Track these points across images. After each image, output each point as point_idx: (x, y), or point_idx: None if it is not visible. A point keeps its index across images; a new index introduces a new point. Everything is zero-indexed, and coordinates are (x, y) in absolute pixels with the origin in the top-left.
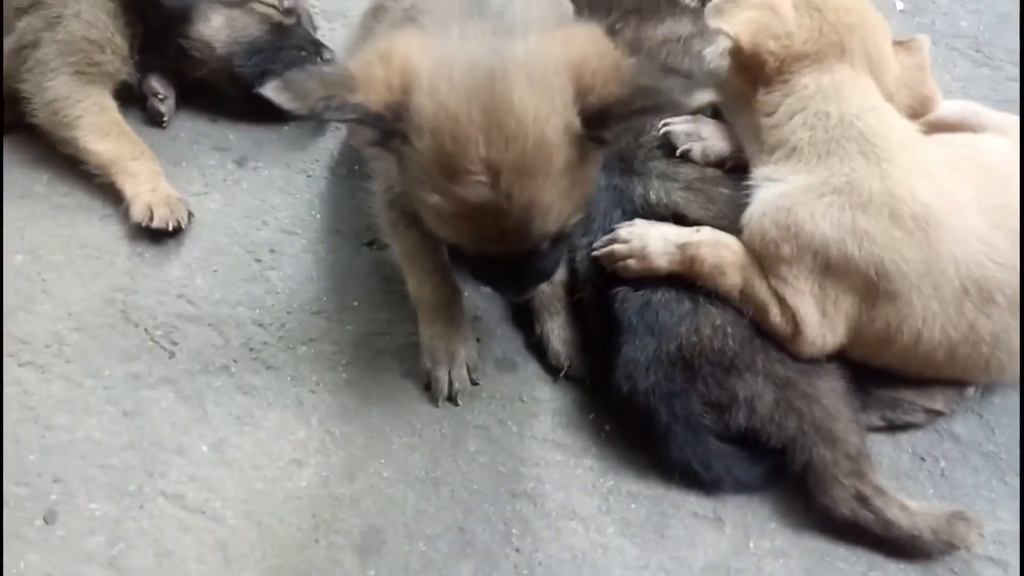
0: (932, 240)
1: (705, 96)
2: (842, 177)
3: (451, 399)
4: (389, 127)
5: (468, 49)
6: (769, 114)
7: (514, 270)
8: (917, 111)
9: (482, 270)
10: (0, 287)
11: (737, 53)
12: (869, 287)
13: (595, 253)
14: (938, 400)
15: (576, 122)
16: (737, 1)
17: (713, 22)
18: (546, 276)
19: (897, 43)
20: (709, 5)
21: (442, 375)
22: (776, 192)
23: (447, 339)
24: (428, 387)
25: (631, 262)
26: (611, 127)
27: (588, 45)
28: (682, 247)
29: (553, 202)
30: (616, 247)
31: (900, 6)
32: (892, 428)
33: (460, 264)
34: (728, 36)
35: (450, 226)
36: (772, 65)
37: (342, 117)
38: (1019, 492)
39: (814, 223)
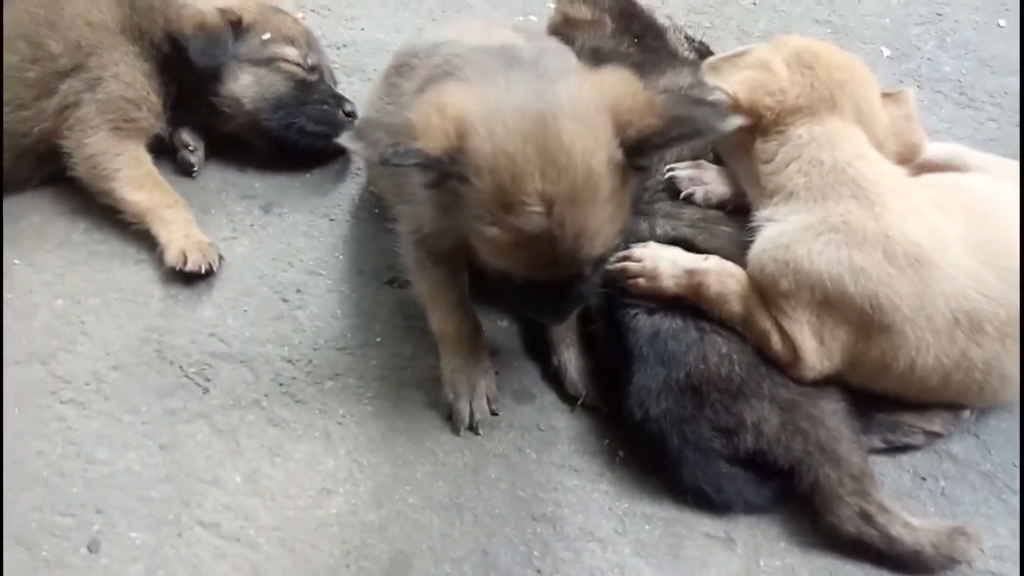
0: (924, 276)
1: (736, 120)
2: (838, 217)
3: (472, 429)
4: (446, 170)
5: (516, 96)
6: (767, 161)
7: (558, 295)
8: (905, 157)
9: (529, 297)
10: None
11: (735, 108)
12: (865, 319)
13: (608, 267)
14: (936, 422)
15: (618, 154)
16: (733, 60)
17: (711, 80)
18: (585, 300)
19: (885, 95)
20: (705, 63)
21: (463, 406)
22: (776, 231)
23: (468, 372)
24: (450, 418)
25: (641, 281)
26: (650, 155)
27: (622, 85)
28: (690, 272)
29: (600, 227)
30: (629, 264)
31: (887, 53)
32: (893, 450)
33: (507, 293)
34: (726, 94)
35: (506, 256)
36: (768, 118)
37: (405, 163)
38: (1019, 509)
39: (811, 260)
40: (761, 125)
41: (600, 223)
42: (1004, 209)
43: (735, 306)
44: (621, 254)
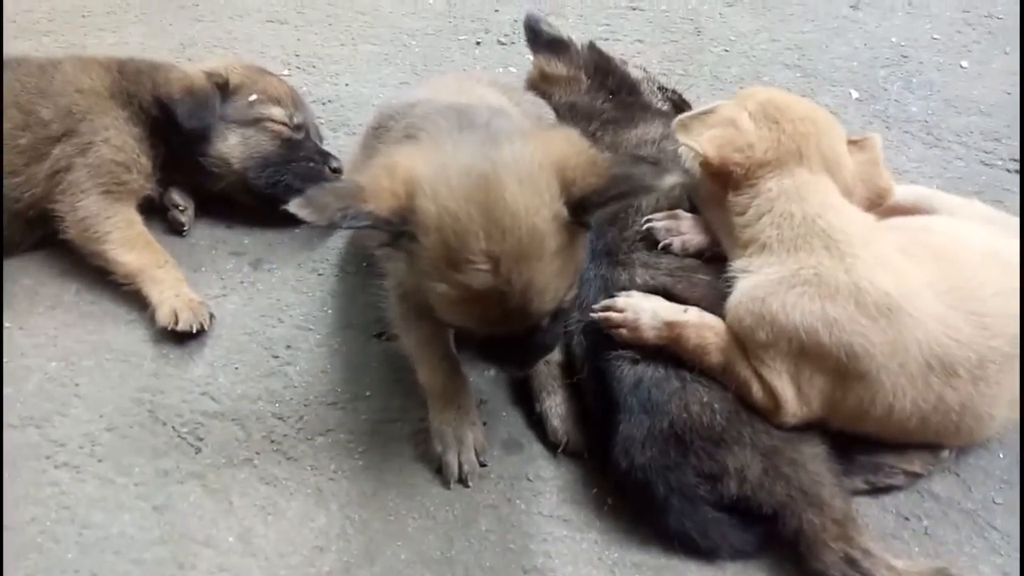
0: (896, 325)
1: (674, 178)
2: (811, 270)
3: (462, 481)
4: (397, 229)
5: (462, 156)
6: (740, 214)
7: (518, 347)
8: (874, 202)
9: (489, 350)
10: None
11: (706, 165)
12: (841, 368)
13: (592, 315)
14: (916, 463)
15: (563, 211)
16: (701, 118)
17: (681, 138)
18: (548, 350)
19: (851, 141)
20: (675, 122)
21: (452, 459)
22: (751, 283)
23: (455, 424)
24: (440, 470)
25: (623, 331)
26: (593, 212)
27: (566, 145)
28: (669, 324)
29: (548, 282)
30: (611, 315)
31: (855, 95)
32: (876, 491)
33: (468, 346)
34: (697, 152)
35: (458, 312)
36: (739, 173)
37: (356, 225)
38: (1019, 507)
39: (786, 312)
40: (732, 180)
41: (548, 278)
42: (971, 252)
43: (714, 357)
44: (604, 303)
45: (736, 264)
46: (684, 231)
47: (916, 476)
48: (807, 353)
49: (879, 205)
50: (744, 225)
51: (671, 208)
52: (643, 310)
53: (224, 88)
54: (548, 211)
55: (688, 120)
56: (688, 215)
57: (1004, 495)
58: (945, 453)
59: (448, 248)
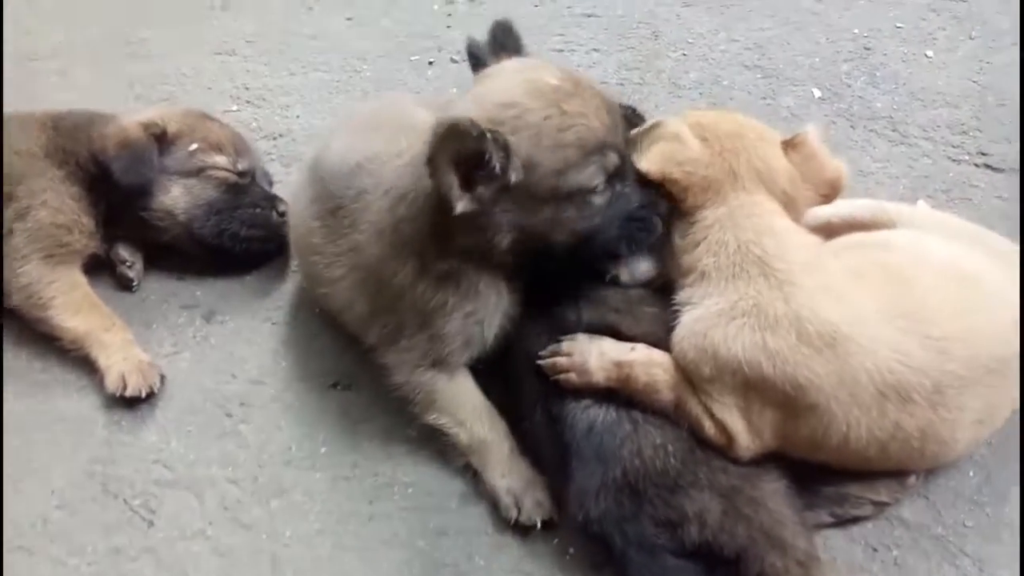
0: (841, 354)
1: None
2: (750, 300)
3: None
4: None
5: None
6: (681, 239)
7: None
8: (829, 196)
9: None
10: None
11: (650, 182)
12: (788, 400)
13: (539, 363)
14: (882, 492)
15: None
16: (647, 133)
17: (633, 156)
18: None
19: (784, 143)
20: (629, 136)
21: (529, 505)
22: (694, 316)
23: (517, 472)
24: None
25: (572, 375)
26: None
27: None
28: (617, 364)
29: None
30: (558, 360)
31: (818, 94)
32: (842, 523)
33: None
34: (642, 169)
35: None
36: (680, 194)
37: None
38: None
39: (727, 346)
40: (676, 201)
41: None
42: (927, 269)
43: (664, 394)
44: (550, 349)
45: (680, 296)
46: (632, 259)
47: (883, 506)
48: (752, 386)
49: (836, 196)
50: (683, 252)
51: None
52: (590, 352)
53: (162, 139)
54: None
55: (636, 136)
56: None
57: (974, 517)
58: (912, 479)
59: None
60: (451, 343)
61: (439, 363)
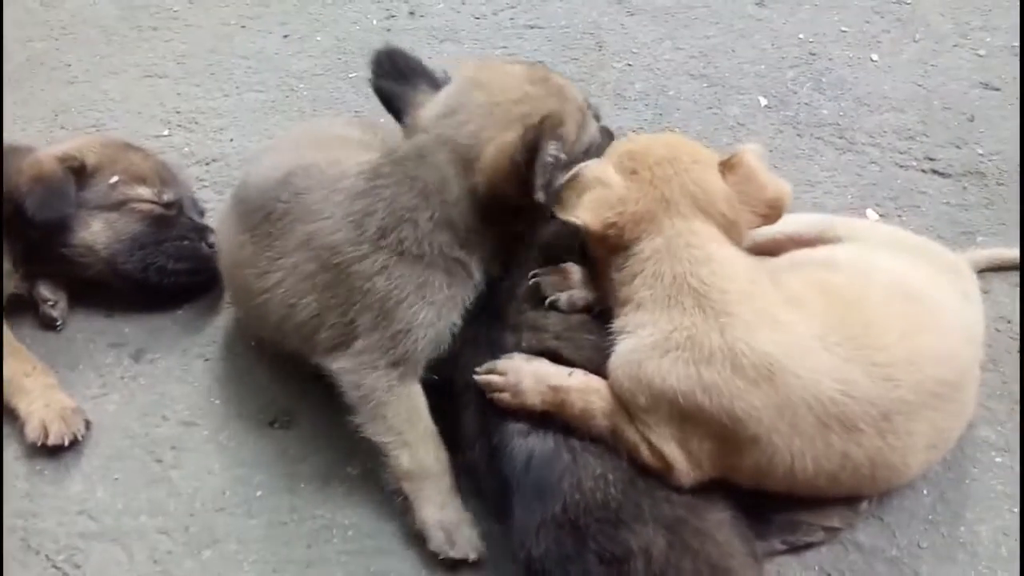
0: (779, 386)
1: None
2: (684, 332)
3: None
4: None
5: None
6: (617, 271)
7: None
8: (771, 217)
9: None
10: None
11: (589, 232)
12: (727, 432)
13: (476, 378)
14: (835, 518)
15: None
16: (571, 187)
17: (560, 215)
18: None
19: (721, 164)
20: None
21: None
22: (628, 347)
23: (450, 506)
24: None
25: (506, 395)
26: None
27: None
28: (554, 389)
29: None
30: (493, 379)
31: (764, 102)
32: (795, 549)
33: None
34: (578, 224)
35: None
36: (617, 234)
37: None
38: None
39: (662, 378)
40: (612, 242)
41: None
42: (873, 289)
43: (600, 421)
44: (486, 366)
45: (616, 324)
46: (572, 285)
47: (836, 531)
48: (689, 418)
49: (778, 216)
50: (620, 284)
51: (560, 261)
52: (525, 373)
53: (81, 172)
54: None
55: (560, 191)
56: (576, 268)
57: (929, 537)
58: (864, 505)
59: None
60: (419, 337)
61: (400, 362)
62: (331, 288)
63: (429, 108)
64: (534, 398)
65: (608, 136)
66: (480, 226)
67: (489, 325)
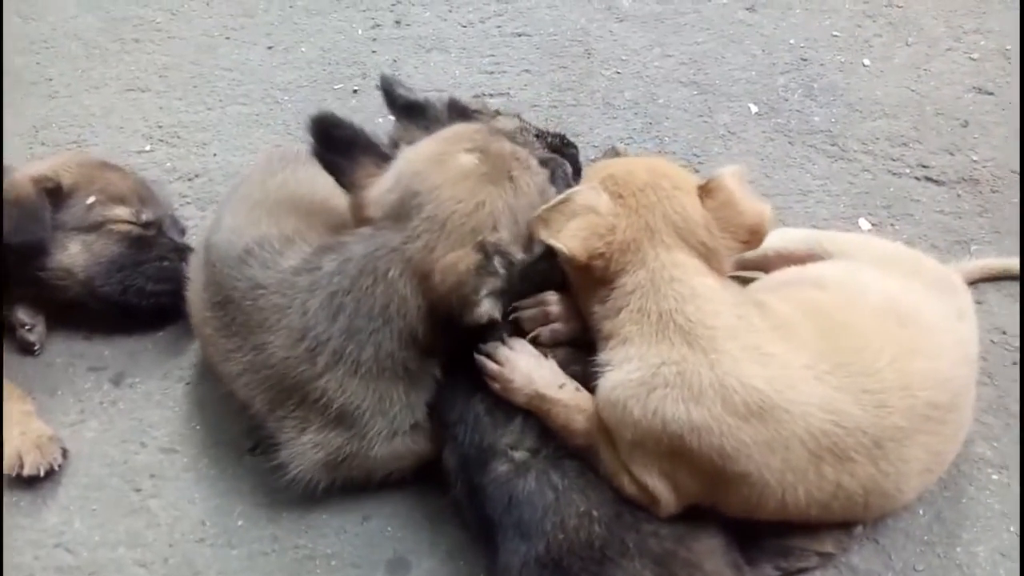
0: (769, 422)
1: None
2: (672, 367)
3: None
4: None
5: None
6: (600, 305)
7: None
8: (751, 243)
9: None
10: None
11: (571, 261)
12: (716, 469)
13: (475, 355)
14: (828, 543)
15: None
16: (560, 209)
17: (543, 235)
18: None
19: (700, 188)
20: (535, 217)
21: None
22: (615, 380)
23: None
24: None
25: (496, 384)
26: None
27: None
28: (541, 396)
29: None
30: (489, 365)
31: (755, 109)
32: (788, 575)
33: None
34: (562, 251)
35: None
36: (602, 265)
37: None
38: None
39: (648, 417)
40: (596, 272)
41: None
42: (864, 311)
43: (579, 440)
44: (491, 345)
45: (601, 357)
46: (553, 318)
47: (829, 556)
48: (677, 455)
49: (759, 242)
50: (604, 318)
51: (540, 290)
52: (519, 371)
53: (57, 193)
54: None
55: (547, 213)
56: (557, 299)
57: (925, 559)
58: (859, 528)
59: None
60: (375, 444)
61: (352, 460)
62: (285, 392)
63: (376, 196)
64: (520, 397)
65: (570, 147)
66: (441, 331)
67: (467, 364)
